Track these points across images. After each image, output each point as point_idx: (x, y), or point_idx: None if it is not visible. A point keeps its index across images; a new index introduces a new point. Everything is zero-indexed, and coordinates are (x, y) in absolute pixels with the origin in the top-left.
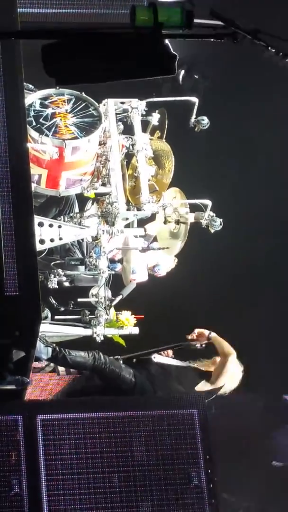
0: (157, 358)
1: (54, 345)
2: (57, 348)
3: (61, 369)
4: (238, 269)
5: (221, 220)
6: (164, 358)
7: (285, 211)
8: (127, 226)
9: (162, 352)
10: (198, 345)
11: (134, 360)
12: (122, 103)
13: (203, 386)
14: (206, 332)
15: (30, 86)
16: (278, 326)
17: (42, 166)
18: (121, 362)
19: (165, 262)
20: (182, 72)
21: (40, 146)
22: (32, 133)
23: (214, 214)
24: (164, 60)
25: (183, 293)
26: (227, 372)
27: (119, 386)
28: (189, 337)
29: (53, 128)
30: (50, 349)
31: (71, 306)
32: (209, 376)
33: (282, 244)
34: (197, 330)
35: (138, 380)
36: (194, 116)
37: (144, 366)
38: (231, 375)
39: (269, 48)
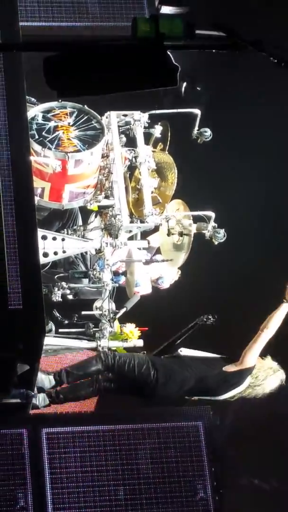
0: (184, 351)
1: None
2: (58, 371)
3: None
4: (242, 281)
5: (224, 231)
6: (192, 350)
7: None
8: (131, 238)
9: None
10: (211, 320)
11: (162, 356)
12: (125, 115)
13: (230, 367)
14: None
15: (33, 99)
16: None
17: (45, 179)
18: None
19: (169, 274)
20: (184, 84)
21: (43, 159)
22: (35, 146)
23: (216, 225)
24: (166, 72)
25: (187, 305)
26: (256, 349)
27: (140, 380)
28: None
29: (56, 141)
30: (50, 377)
31: (75, 319)
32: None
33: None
34: None
35: (161, 368)
36: (196, 128)
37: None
38: (263, 366)
39: (271, 58)
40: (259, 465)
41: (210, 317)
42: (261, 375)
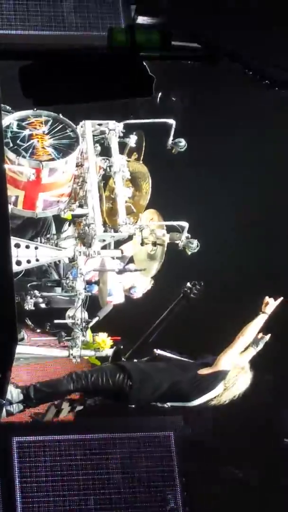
0: (159, 352)
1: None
2: (27, 386)
3: None
4: (215, 290)
5: (198, 242)
6: (167, 353)
7: (264, 232)
8: (104, 247)
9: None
10: (195, 292)
11: (135, 360)
12: (100, 124)
13: (205, 370)
14: (270, 306)
15: (8, 107)
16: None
17: (19, 188)
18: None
19: (142, 284)
20: (160, 94)
21: (17, 167)
22: (9, 154)
23: (190, 235)
24: (141, 82)
25: (159, 314)
26: (231, 354)
27: (115, 388)
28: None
29: (30, 149)
30: (18, 390)
31: (48, 327)
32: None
33: (260, 264)
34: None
35: (134, 373)
36: (171, 138)
37: (147, 359)
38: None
39: (247, 70)
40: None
41: (196, 284)
42: (232, 374)
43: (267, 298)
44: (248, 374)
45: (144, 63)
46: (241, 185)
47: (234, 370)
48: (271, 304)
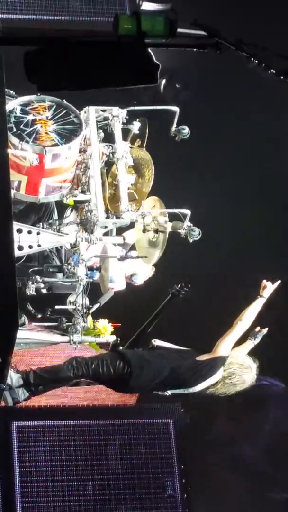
0: (157, 342)
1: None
2: (26, 371)
3: None
4: (216, 278)
5: (200, 230)
6: (165, 343)
7: (267, 220)
8: (106, 234)
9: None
10: (183, 293)
11: (135, 349)
12: (103, 111)
13: (203, 356)
14: (268, 289)
15: (11, 92)
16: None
17: (22, 173)
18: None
19: (143, 271)
20: (164, 81)
21: (20, 152)
22: (13, 139)
23: (192, 225)
24: (146, 69)
25: (160, 302)
26: (229, 339)
27: (116, 376)
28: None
29: (34, 134)
30: (19, 375)
31: (49, 313)
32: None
33: (260, 252)
34: (266, 282)
35: (134, 360)
36: (174, 125)
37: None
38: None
39: (252, 58)
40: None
41: (183, 286)
42: (231, 367)
43: (264, 282)
44: (250, 375)
45: (150, 51)
46: (244, 172)
47: (235, 364)
48: (268, 288)
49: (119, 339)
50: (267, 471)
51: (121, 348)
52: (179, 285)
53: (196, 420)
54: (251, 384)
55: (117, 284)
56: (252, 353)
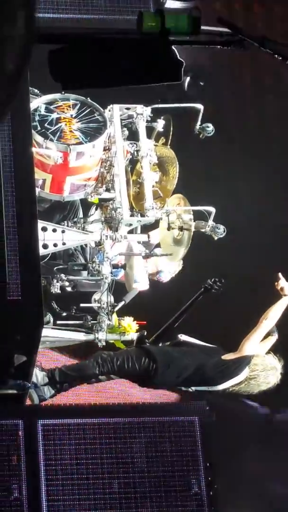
0: (183, 337)
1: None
2: (52, 369)
3: None
4: (241, 276)
5: (224, 227)
6: (191, 338)
7: None
8: (131, 232)
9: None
10: (216, 288)
11: (161, 344)
12: (128, 109)
13: (229, 356)
14: (286, 290)
15: (36, 90)
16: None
17: (47, 171)
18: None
19: (169, 267)
20: (188, 79)
21: (45, 150)
22: (37, 137)
23: (214, 223)
24: (170, 67)
25: (186, 299)
26: (255, 338)
27: (142, 372)
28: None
29: (58, 133)
30: (44, 374)
31: (74, 311)
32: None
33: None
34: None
35: (160, 357)
36: (199, 123)
37: (172, 344)
38: (266, 364)
39: (276, 55)
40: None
41: (217, 281)
42: (257, 368)
43: (281, 283)
44: (275, 375)
45: (173, 48)
46: (268, 170)
47: (261, 365)
48: (286, 286)
49: (145, 332)
50: None
51: (147, 343)
52: (213, 280)
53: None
54: (276, 383)
55: (140, 284)
56: (278, 349)
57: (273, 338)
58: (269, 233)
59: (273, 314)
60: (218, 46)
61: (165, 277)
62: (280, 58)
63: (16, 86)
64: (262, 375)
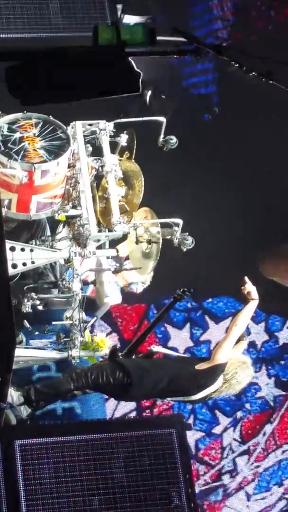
0: (156, 348)
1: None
2: (27, 388)
3: None
4: (211, 286)
5: (192, 238)
6: (164, 349)
7: (257, 227)
8: (99, 247)
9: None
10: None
11: (133, 356)
12: (90, 125)
13: (203, 365)
14: (253, 291)
15: None
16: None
17: (12, 191)
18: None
19: (139, 278)
20: (149, 92)
21: (9, 170)
22: (1, 158)
23: (181, 235)
24: (128, 78)
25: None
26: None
27: (116, 385)
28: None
29: (22, 152)
30: (19, 393)
31: (46, 329)
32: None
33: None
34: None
35: (134, 369)
36: (162, 135)
37: (145, 356)
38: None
39: (232, 62)
40: None
41: (186, 291)
42: (232, 368)
43: (248, 287)
44: (250, 369)
45: (130, 59)
46: (234, 180)
47: (233, 364)
48: (252, 290)
49: (118, 344)
50: None
51: (120, 356)
52: (181, 290)
53: None
54: (251, 378)
55: (111, 298)
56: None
57: (244, 343)
58: (236, 241)
59: (242, 320)
60: (175, 56)
61: (137, 288)
62: (238, 65)
63: None
64: (239, 372)
